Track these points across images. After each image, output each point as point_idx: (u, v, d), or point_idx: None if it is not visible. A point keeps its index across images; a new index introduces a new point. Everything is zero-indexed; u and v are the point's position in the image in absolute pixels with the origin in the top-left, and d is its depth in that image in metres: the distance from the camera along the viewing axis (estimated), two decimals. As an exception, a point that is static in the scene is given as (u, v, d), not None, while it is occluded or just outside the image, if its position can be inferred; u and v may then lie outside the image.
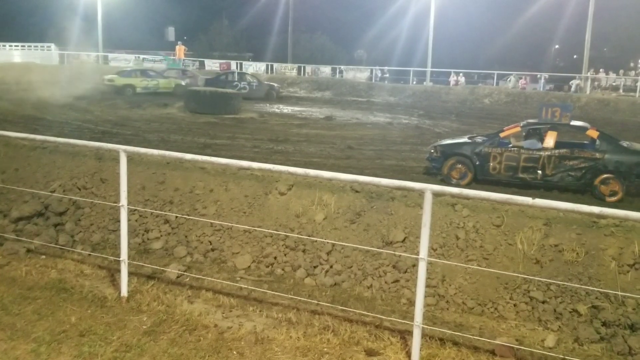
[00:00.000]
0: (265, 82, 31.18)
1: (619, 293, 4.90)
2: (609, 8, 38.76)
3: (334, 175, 4.38)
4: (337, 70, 42.15)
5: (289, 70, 42.89)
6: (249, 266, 5.99)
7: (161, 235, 6.51)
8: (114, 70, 30.59)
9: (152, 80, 28.14)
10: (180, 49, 42.96)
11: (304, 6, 51.56)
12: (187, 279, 5.49)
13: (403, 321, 4.57)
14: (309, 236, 6.07)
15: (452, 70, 38.72)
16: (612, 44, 52.40)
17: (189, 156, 4.87)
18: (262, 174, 6.84)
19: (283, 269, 5.93)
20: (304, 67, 42.64)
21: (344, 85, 34.28)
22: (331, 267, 5.83)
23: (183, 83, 28.68)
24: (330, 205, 6.33)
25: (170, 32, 47.25)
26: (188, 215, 6.52)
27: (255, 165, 4.63)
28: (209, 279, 5.46)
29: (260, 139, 15.25)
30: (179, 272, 5.58)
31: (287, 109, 24.46)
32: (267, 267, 5.99)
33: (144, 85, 27.61)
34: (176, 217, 6.52)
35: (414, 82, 38.49)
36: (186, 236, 6.42)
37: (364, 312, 4.83)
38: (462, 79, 37.99)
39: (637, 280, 5.08)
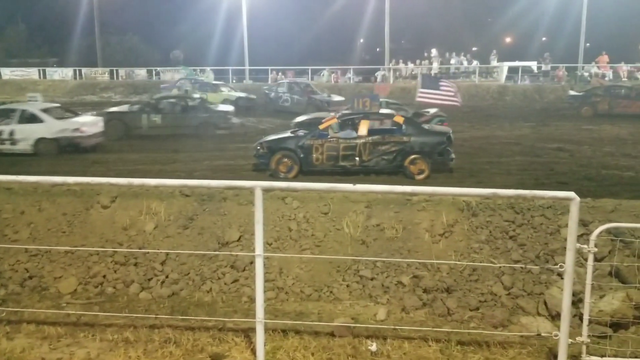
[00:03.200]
0: (316, 96, 25.33)
1: (435, 261, 5.49)
2: (405, 3, 42.66)
3: (161, 182, 4.26)
4: (154, 72, 40.47)
5: (100, 74, 40.00)
6: (75, 289, 5.53)
7: (-37, 271, 5.69)
8: None
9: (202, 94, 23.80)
10: None
11: (111, 7, 48.21)
12: (4, 314, 4.89)
13: (246, 319, 4.60)
14: (139, 248, 5.79)
15: (269, 67, 39.43)
16: (408, 37, 57.96)
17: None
18: (80, 189, 6.33)
19: (114, 287, 5.57)
20: (117, 71, 40.19)
21: (162, 87, 32.89)
22: (167, 277, 5.63)
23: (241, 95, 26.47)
24: (160, 213, 6.11)
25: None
26: (-5, 243, 5.78)
27: (71, 179, 4.27)
28: (30, 310, 4.93)
29: (73, 151, 14.02)
30: (-9, 308, 4.94)
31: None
32: (96, 287, 5.58)
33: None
34: (-20, 247, 5.75)
35: (234, 81, 38.51)
36: (-5, 267, 5.70)
37: (205, 318, 4.77)
38: (281, 76, 38.86)
39: (448, 247, 5.75)
